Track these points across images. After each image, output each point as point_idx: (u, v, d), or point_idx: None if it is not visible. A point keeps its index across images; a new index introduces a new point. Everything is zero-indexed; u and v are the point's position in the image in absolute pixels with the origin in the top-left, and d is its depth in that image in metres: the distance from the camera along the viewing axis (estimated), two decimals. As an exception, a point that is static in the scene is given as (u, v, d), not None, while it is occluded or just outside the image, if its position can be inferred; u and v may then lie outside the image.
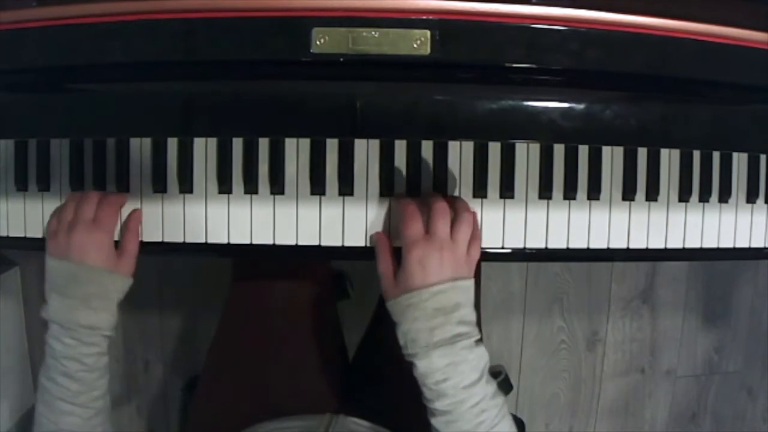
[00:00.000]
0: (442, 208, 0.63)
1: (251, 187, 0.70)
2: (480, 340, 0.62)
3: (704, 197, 0.73)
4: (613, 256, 0.73)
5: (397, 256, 0.66)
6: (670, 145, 0.71)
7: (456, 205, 0.66)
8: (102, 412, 0.66)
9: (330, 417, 0.74)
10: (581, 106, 0.61)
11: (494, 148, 0.71)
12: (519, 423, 0.98)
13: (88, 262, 0.63)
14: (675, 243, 0.73)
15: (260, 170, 0.70)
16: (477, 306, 0.89)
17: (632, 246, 0.73)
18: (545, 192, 0.71)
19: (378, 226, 0.70)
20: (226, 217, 0.70)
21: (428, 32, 0.60)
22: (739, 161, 0.75)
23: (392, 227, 0.70)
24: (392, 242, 0.68)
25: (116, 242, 0.68)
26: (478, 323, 0.88)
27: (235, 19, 0.60)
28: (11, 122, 0.65)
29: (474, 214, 0.69)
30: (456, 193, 0.71)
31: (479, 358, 0.61)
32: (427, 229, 0.62)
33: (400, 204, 0.66)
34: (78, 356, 0.63)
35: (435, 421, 0.61)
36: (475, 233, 0.65)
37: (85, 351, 0.63)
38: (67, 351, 0.62)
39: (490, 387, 0.61)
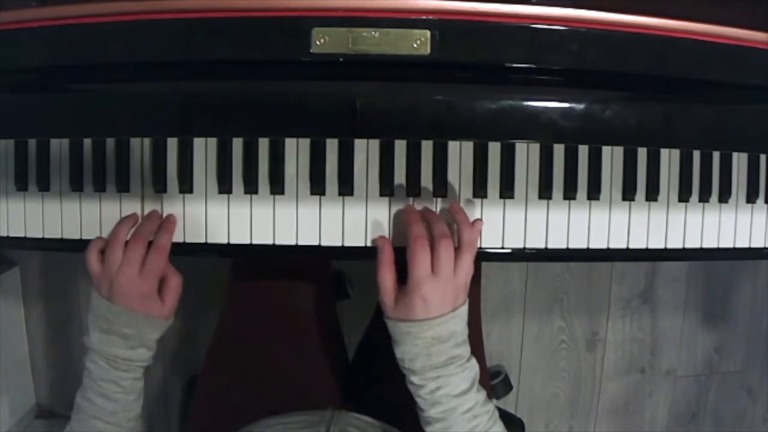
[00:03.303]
0: (447, 246, 0.63)
1: (251, 187, 0.70)
2: (470, 357, 0.65)
3: (704, 197, 0.73)
4: (613, 256, 0.73)
5: (399, 257, 0.66)
6: (670, 145, 0.71)
7: (461, 232, 0.65)
8: None
9: (332, 412, 0.74)
10: (581, 106, 0.61)
11: (494, 148, 0.71)
12: (519, 423, 0.98)
13: (132, 307, 0.64)
14: (675, 243, 0.73)
15: (260, 170, 0.70)
16: (477, 307, 0.90)
17: (632, 246, 0.72)
18: (545, 192, 0.71)
19: (378, 226, 0.70)
20: (226, 217, 0.70)
21: (428, 32, 0.60)
22: (739, 161, 0.75)
23: (393, 228, 0.70)
24: (392, 241, 0.69)
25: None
26: (479, 325, 0.89)
27: (235, 19, 0.60)
28: (11, 122, 0.65)
29: (478, 224, 0.68)
30: (456, 194, 0.70)
31: (470, 370, 0.64)
32: (434, 266, 0.63)
33: (411, 230, 0.65)
34: (115, 379, 0.64)
35: (430, 430, 0.64)
36: (473, 257, 0.66)
37: (122, 376, 0.65)
38: (104, 374, 0.64)
39: (481, 395, 0.65)
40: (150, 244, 0.67)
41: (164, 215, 0.70)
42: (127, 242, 0.66)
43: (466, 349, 0.65)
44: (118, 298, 0.64)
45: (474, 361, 0.65)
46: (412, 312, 0.62)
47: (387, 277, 0.64)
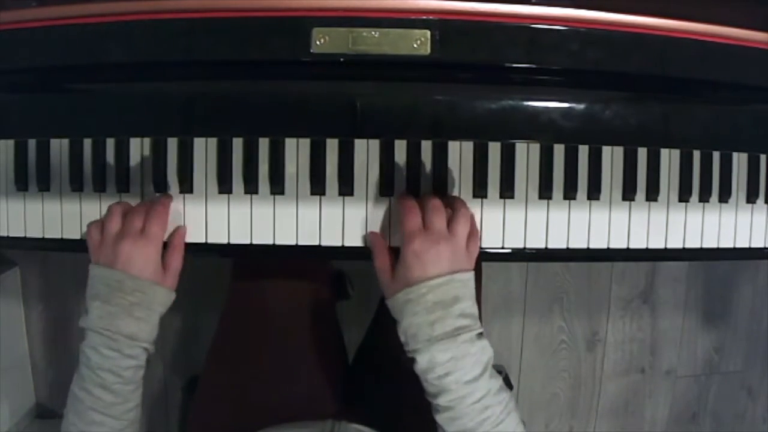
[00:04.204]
0: (436, 205, 0.64)
1: (251, 187, 0.70)
2: (482, 334, 0.61)
3: (704, 197, 0.73)
4: (613, 256, 0.73)
5: (395, 254, 0.66)
6: (670, 145, 0.71)
7: (453, 204, 0.66)
8: (134, 424, 0.65)
9: (332, 424, 0.73)
10: (581, 106, 0.61)
11: (494, 148, 0.71)
12: (519, 423, 0.98)
13: (134, 272, 0.63)
14: (675, 243, 0.73)
15: (260, 170, 0.70)
16: (478, 305, 0.90)
17: (632, 246, 0.72)
18: (545, 192, 0.71)
19: (378, 226, 0.70)
20: (226, 217, 0.70)
21: (428, 32, 0.60)
22: (739, 161, 0.75)
23: (392, 227, 0.70)
24: (390, 242, 0.69)
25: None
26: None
27: (235, 19, 0.60)
28: (11, 122, 0.65)
29: (471, 215, 0.69)
30: (456, 193, 0.71)
31: (482, 352, 0.60)
32: (425, 224, 0.63)
33: (399, 200, 0.66)
34: (116, 369, 0.61)
35: (439, 418, 0.60)
36: (473, 230, 0.66)
37: (123, 363, 0.62)
38: (104, 362, 0.61)
39: (495, 382, 0.61)
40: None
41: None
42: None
43: (475, 323, 0.61)
44: (120, 263, 0.63)
45: (486, 342, 0.61)
46: (408, 272, 0.60)
47: (382, 259, 0.65)
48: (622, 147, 0.72)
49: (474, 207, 0.70)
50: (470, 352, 0.59)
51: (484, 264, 0.94)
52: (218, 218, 0.70)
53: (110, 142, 0.71)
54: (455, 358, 0.59)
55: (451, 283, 0.60)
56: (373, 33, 0.60)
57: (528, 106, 0.61)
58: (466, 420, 0.59)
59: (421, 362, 0.59)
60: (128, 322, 0.62)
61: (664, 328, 1.61)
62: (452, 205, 0.66)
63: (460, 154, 0.70)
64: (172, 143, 0.70)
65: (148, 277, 0.64)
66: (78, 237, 0.71)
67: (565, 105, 0.61)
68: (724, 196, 0.74)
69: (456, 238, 0.62)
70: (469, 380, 0.59)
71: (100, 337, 0.61)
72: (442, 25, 0.60)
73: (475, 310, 0.62)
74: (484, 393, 0.59)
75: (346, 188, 0.70)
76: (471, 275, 0.63)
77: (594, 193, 0.71)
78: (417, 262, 0.60)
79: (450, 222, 0.63)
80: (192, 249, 0.70)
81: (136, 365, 0.63)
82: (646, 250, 0.73)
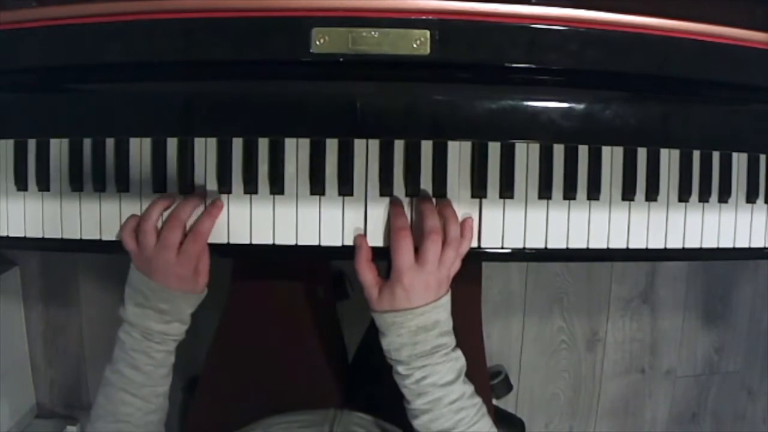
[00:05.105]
0: (435, 240, 0.64)
1: (251, 187, 0.70)
2: (456, 347, 0.66)
3: (704, 197, 0.73)
4: (613, 256, 0.73)
5: (384, 254, 0.67)
6: (670, 145, 0.71)
7: (447, 226, 0.66)
8: (160, 411, 0.69)
9: (334, 411, 0.74)
10: (581, 106, 0.61)
11: (494, 148, 0.71)
12: (519, 423, 0.98)
13: (169, 285, 0.66)
14: (675, 243, 0.73)
15: (260, 170, 0.70)
16: (477, 307, 0.90)
17: (632, 246, 0.72)
18: (545, 192, 0.71)
19: (377, 226, 0.70)
20: (226, 217, 0.70)
21: (428, 32, 0.60)
22: (739, 161, 0.75)
23: (390, 228, 0.70)
24: (384, 242, 0.69)
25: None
26: (479, 325, 0.89)
27: (235, 19, 0.60)
28: (11, 122, 0.65)
29: (469, 221, 0.69)
30: (456, 193, 0.70)
31: (456, 361, 0.65)
32: (417, 252, 0.64)
33: (394, 222, 0.66)
34: (147, 350, 0.66)
35: (417, 423, 0.65)
36: (460, 251, 0.67)
37: (154, 347, 0.66)
38: (136, 344, 0.66)
39: (468, 387, 0.66)
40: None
41: (164, 215, 0.70)
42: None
43: (451, 339, 0.66)
44: (155, 276, 0.65)
45: (460, 352, 0.66)
46: (395, 302, 0.64)
47: (367, 273, 0.66)
48: (621, 147, 0.72)
49: (473, 207, 0.70)
50: (445, 361, 0.64)
51: (483, 264, 0.94)
52: (218, 218, 0.70)
53: (110, 142, 0.71)
54: (431, 365, 0.63)
55: (434, 310, 0.64)
56: (372, 33, 0.60)
57: (528, 106, 0.61)
58: (443, 421, 0.63)
59: (401, 370, 0.64)
60: (159, 324, 0.66)
61: (664, 328, 1.61)
62: (446, 229, 0.66)
63: (459, 154, 0.70)
64: (172, 143, 0.70)
65: (181, 289, 0.66)
66: (78, 237, 0.71)
67: (565, 105, 0.61)
68: (724, 196, 0.74)
69: (443, 268, 0.65)
70: (444, 383, 0.63)
71: (134, 328, 0.65)
72: (442, 25, 0.60)
73: (450, 325, 0.66)
74: (458, 395, 0.64)
75: (346, 188, 0.70)
76: (449, 296, 0.66)
77: (594, 193, 0.71)
78: (404, 295, 0.63)
79: (442, 245, 0.65)
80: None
81: (165, 350, 0.67)
82: (646, 250, 0.73)
